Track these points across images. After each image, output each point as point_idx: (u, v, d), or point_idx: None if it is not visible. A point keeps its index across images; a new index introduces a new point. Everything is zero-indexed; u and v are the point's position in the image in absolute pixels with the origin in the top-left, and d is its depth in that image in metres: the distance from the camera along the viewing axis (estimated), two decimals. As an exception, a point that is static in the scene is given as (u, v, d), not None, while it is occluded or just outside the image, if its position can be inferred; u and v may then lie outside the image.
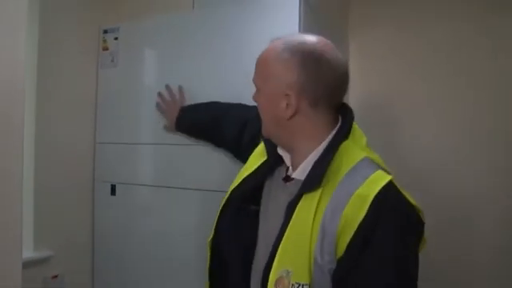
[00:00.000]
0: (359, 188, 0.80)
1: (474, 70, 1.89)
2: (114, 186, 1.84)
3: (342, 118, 0.93)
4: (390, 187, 0.81)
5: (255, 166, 1.01)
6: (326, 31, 1.81)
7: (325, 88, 0.87)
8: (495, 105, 1.86)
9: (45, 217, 1.72)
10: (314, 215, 0.81)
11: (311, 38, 0.92)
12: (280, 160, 0.98)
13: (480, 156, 1.87)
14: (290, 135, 0.91)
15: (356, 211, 0.77)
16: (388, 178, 0.82)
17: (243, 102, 1.49)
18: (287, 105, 0.87)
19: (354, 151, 0.88)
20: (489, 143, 1.86)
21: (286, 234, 0.83)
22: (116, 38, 1.90)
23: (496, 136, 1.85)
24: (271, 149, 0.99)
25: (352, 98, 2.05)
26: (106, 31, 1.93)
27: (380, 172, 0.84)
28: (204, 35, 1.67)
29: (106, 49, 1.92)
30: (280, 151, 0.97)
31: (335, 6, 2.02)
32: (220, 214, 1.02)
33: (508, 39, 1.84)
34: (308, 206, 0.83)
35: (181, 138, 1.68)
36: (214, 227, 1.03)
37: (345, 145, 0.88)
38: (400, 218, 0.80)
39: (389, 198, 0.79)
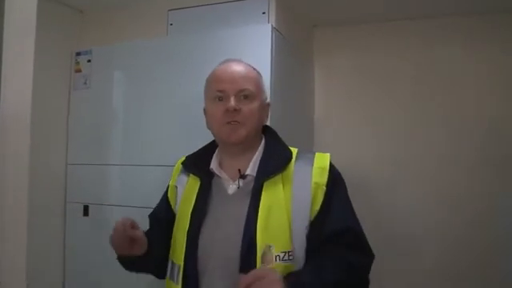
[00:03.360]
0: (315, 164, 1.07)
1: (424, 91, 2.10)
2: (87, 206, 1.86)
3: (264, 131, 1.18)
4: (331, 160, 1.10)
5: (193, 201, 1.10)
6: (295, 56, 1.95)
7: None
8: (447, 125, 2.05)
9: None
10: (284, 194, 1.02)
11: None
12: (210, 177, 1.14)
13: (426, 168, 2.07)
14: (257, 137, 1.13)
15: (321, 178, 1.05)
16: (328, 155, 1.11)
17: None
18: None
19: (290, 148, 1.13)
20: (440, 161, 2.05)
21: (259, 216, 0.99)
22: (89, 61, 1.93)
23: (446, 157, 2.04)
24: (201, 172, 1.14)
25: (317, 113, 2.26)
26: (78, 53, 1.96)
27: (318, 153, 1.11)
28: (177, 61, 1.74)
29: (78, 71, 1.95)
30: (216, 169, 1.13)
31: (302, 34, 2.15)
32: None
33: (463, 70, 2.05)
34: (273, 189, 1.03)
35: (153, 159, 1.73)
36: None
37: None
38: (342, 178, 1.11)
39: (334, 167, 1.10)
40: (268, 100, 1.17)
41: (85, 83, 1.93)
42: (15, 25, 0.83)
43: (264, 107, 1.14)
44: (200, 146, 1.24)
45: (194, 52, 1.72)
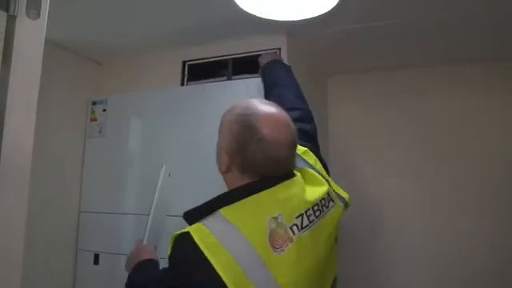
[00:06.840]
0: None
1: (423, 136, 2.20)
2: (98, 255, 1.84)
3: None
4: (182, 237, 0.90)
5: None
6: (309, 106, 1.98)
7: (250, 162, 0.94)
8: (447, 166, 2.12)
9: (24, 285, 1.68)
10: None
11: (264, 111, 0.97)
12: None
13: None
14: (227, 184, 1.00)
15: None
16: (186, 230, 0.90)
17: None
18: (223, 161, 0.98)
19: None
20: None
21: None
22: (104, 110, 1.98)
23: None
24: None
25: (332, 161, 2.25)
26: (94, 103, 2.01)
27: (195, 225, 0.90)
28: (191, 110, 1.77)
29: (94, 120, 2.00)
30: None
31: (315, 84, 2.22)
32: None
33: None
34: None
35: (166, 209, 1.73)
36: None
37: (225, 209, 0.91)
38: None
39: (175, 249, 0.92)
40: (223, 148, 0.99)
41: (100, 131, 1.97)
42: (21, 72, 0.81)
43: (219, 151, 1.01)
44: (215, 195, 1.18)
45: (208, 102, 1.75)
